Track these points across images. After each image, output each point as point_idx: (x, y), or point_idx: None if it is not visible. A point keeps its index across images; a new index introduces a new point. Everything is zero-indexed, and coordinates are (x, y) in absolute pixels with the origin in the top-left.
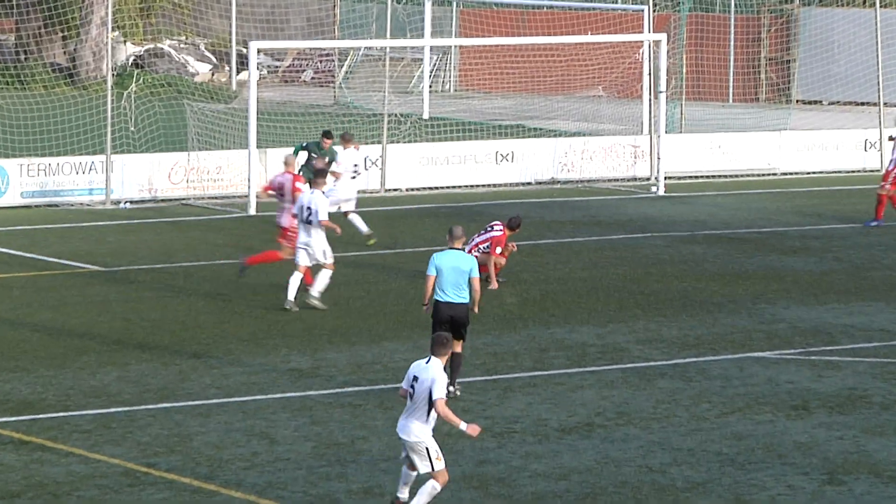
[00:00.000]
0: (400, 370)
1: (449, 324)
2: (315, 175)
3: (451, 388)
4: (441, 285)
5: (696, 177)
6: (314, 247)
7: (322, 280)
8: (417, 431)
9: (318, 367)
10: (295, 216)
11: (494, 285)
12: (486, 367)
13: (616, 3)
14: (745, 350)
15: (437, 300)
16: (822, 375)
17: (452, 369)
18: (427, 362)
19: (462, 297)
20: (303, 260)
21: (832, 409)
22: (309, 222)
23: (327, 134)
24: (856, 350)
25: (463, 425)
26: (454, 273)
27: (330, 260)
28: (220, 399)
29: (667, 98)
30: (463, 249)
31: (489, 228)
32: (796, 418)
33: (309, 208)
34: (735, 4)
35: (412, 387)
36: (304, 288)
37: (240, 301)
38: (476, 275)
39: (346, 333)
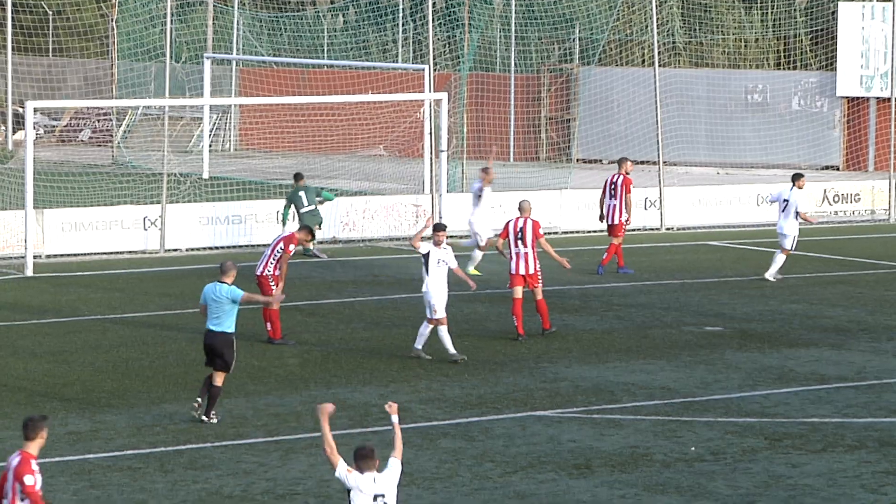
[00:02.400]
0: (181, 432)
1: (210, 351)
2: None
3: (211, 418)
4: (208, 314)
5: None
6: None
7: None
8: None
9: (96, 429)
10: None
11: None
12: (268, 429)
13: (397, 62)
14: (528, 409)
15: (207, 328)
16: (604, 434)
17: (210, 399)
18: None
19: (220, 327)
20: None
21: (614, 468)
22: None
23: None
24: (637, 408)
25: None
26: (214, 304)
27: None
28: None
29: (448, 157)
30: (230, 283)
31: (273, 245)
32: (579, 477)
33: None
34: (515, 64)
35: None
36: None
37: (16, 364)
38: (238, 295)
39: (125, 395)
